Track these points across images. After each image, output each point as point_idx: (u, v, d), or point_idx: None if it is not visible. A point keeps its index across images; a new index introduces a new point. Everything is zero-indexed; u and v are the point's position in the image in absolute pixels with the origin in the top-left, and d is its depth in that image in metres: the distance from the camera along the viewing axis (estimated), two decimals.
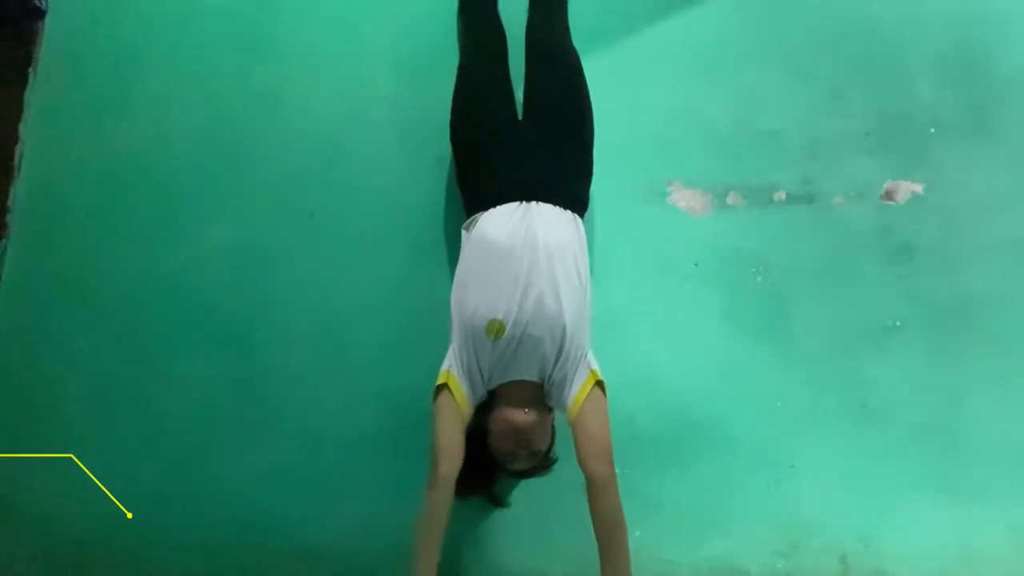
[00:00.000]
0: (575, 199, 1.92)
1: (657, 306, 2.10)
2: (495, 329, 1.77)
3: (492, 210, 1.86)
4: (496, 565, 1.99)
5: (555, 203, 1.86)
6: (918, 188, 2.16)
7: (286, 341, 2.12)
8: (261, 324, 2.13)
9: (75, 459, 2.04)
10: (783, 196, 2.17)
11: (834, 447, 2.02)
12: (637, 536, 1.76)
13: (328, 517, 2.03)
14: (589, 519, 1.73)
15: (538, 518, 2.00)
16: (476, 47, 2.13)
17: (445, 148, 2.08)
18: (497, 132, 1.96)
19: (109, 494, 2.02)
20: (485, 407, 1.85)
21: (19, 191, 2.24)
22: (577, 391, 1.79)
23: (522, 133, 1.96)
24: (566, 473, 1.90)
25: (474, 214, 1.90)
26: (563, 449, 1.90)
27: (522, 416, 1.78)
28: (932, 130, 2.20)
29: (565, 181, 1.92)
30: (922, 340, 2.08)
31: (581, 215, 1.93)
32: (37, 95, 2.31)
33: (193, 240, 2.19)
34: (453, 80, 2.04)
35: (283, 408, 2.09)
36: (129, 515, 2.02)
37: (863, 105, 2.22)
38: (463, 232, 1.92)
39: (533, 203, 1.84)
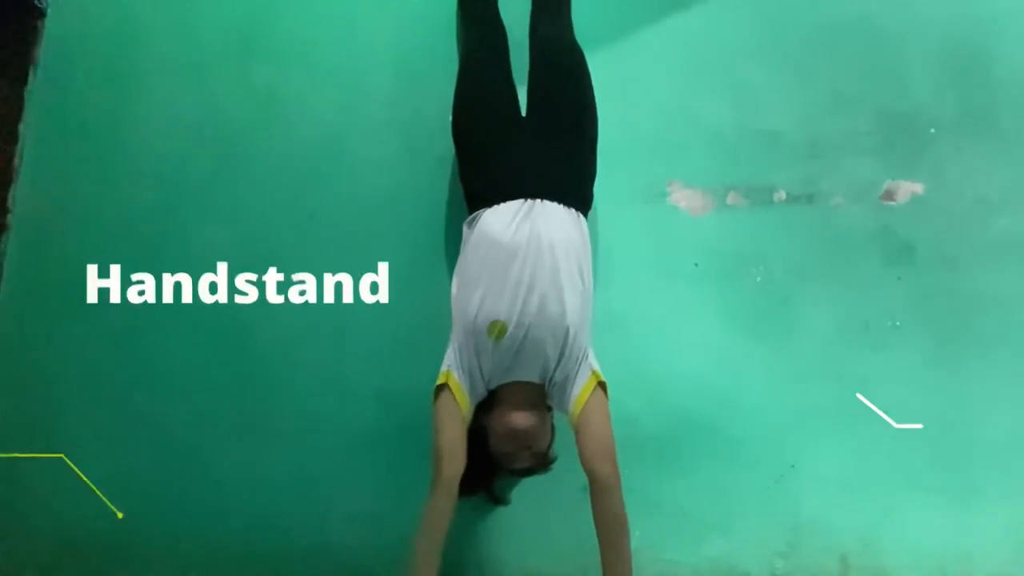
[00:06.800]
0: (579, 197, 1.90)
1: (657, 306, 2.10)
2: (497, 330, 1.76)
3: (495, 207, 1.83)
4: (496, 565, 1.99)
5: (559, 201, 1.83)
6: (918, 188, 2.16)
7: (285, 340, 2.12)
8: (260, 324, 2.13)
9: (65, 459, 2.04)
10: (783, 196, 2.17)
11: (834, 447, 2.02)
12: (637, 536, 1.76)
13: (328, 517, 2.03)
14: (589, 519, 1.73)
15: (538, 518, 2.00)
16: (477, 42, 2.11)
17: (445, 148, 2.07)
18: (499, 126, 1.94)
19: (99, 493, 2.02)
20: (485, 406, 1.85)
21: (19, 191, 2.24)
22: (579, 392, 1.78)
23: (525, 128, 1.94)
24: (566, 473, 1.90)
25: (476, 210, 1.88)
26: (563, 448, 1.90)
27: (524, 419, 1.77)
28: (932, 130, 2.19)
29: (569, 178, 1.90)
30: (922, 340, 2.08)
31: (585, 213, 1.91)
32: (37, 95, 2.31)
33: (193, 240, 2.18)
34: (453, 80, 2.04)
35: (282, 408, 2.08)
36: (120, 515, 2.02)
37: (863, 105, 2.21)
38: (464, 228, 1.90)
39: (537, 201, 1.82)
